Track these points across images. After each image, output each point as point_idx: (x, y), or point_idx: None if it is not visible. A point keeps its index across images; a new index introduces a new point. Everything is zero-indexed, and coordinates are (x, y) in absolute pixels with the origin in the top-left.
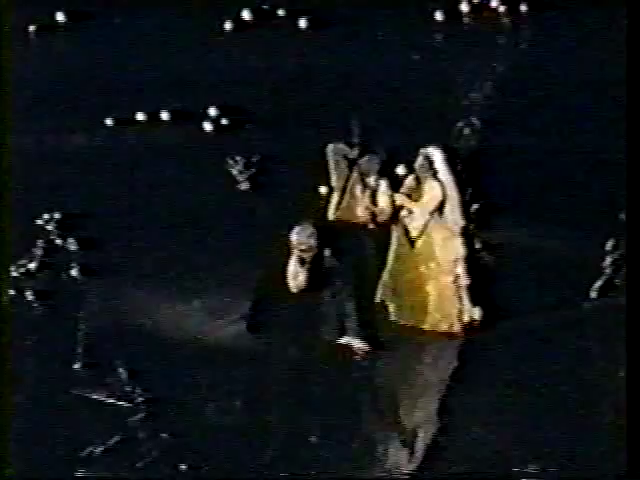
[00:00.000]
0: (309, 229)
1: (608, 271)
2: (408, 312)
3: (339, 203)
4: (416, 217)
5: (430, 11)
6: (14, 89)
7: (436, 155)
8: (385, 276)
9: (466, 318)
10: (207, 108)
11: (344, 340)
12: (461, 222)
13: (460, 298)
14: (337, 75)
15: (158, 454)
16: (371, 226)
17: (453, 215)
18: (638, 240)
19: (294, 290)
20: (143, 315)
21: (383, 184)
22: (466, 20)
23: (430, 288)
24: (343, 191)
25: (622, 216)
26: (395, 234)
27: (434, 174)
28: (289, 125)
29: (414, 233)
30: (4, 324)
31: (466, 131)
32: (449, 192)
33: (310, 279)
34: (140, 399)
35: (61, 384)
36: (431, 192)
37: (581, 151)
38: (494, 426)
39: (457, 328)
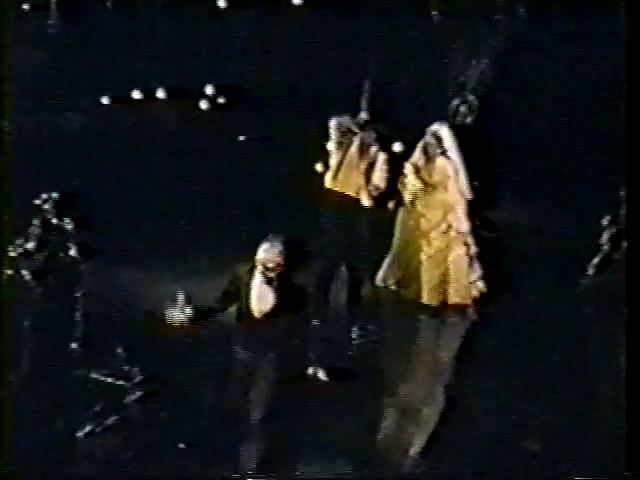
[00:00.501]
0: (277, 246)
1: (605, 247)
2: (413, 288)
3: (336, 173)
4: (426, 195)
5: None
6: (10, 69)
7: (444, 133)
8: (390, 257)
9: (475, 291)
10: (204, 86)
11: (310, 371)
12: (469, 196)
13: (470, 271)
14: (332, 52)
15: (156, 433)
16: (365, 201)
17: (462, 190)
18: (637, 216)
19: (258, 315)
20: (141, 295)
21: (380, 159)
22: None
23: (447, 262)
24: (341, 162)
25: (621, 192)
26: (402, 213)
27: (443, 152)
28: (286, 103)
29: (423, 211)
30: (2, 304)
31: (462, 108)
32: (458, 169)
33: (279, 301)
34: (138, 378)
35: (59, 363)
36: (442, 170)
37: (579, 127)
38: (494, 403)
39: (469, 301)
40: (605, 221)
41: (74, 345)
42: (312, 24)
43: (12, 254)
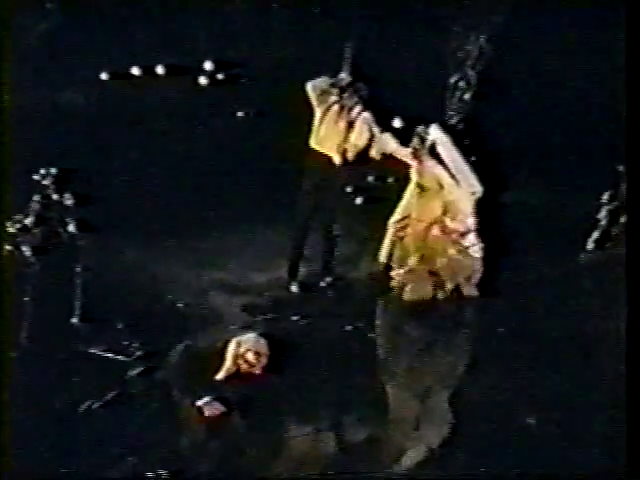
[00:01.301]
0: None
1: (604, 223)
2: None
3: (317, 133)
4: (420, 198)
5: None
6: (10, 46)
7: (435, 133)
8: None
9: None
10: (202, 63)
11: (201, 402)
12: (479, 192)
13: (473, 260)
14: (330, 30)
15: (156, 407)
16: (337, 159)
17: (469, 187)
18: (637, 192)
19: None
20: (140, 270)
21: (362, 117)
22: None
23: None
24: (322, 122)
25: (620, 168)
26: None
27: (433, 153)
28: (284, 78)
29: (418, 212)
30: (1, 280)
31: (461, 84)
32: (460, 167)
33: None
34: (138, 353)
35: (59, 339)
36: (434, 171)
37: (578, 103)
38: (495, 378)
39: (473, 291)
40: (605, 197)
41: (74, 320)
42: (309, 2)
43: (11, 230)
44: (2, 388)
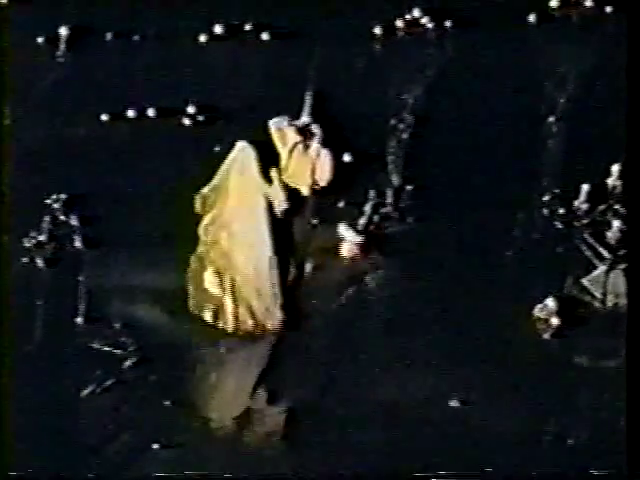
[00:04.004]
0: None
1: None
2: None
3: (286, 170)
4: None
5: (370, 27)
6: (25, 91)
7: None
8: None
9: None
10: (186, 106)
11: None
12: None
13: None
14: (292, 79)
15: (146, 393)
16: (305, 190)
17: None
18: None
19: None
20: (132, 279)
21: (323, 152)
22: (400, 34)
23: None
24: (289, 160)
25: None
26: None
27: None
28: (255, 119)
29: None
30: (17, 286)
31: (400, 126)
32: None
33: None
34: (132, 347)
35: (66, 335)
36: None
37: (494, 143)
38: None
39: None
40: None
41: (79, 320)
42: (274, 55)
43: (27, 245)
44: (14, 377)
